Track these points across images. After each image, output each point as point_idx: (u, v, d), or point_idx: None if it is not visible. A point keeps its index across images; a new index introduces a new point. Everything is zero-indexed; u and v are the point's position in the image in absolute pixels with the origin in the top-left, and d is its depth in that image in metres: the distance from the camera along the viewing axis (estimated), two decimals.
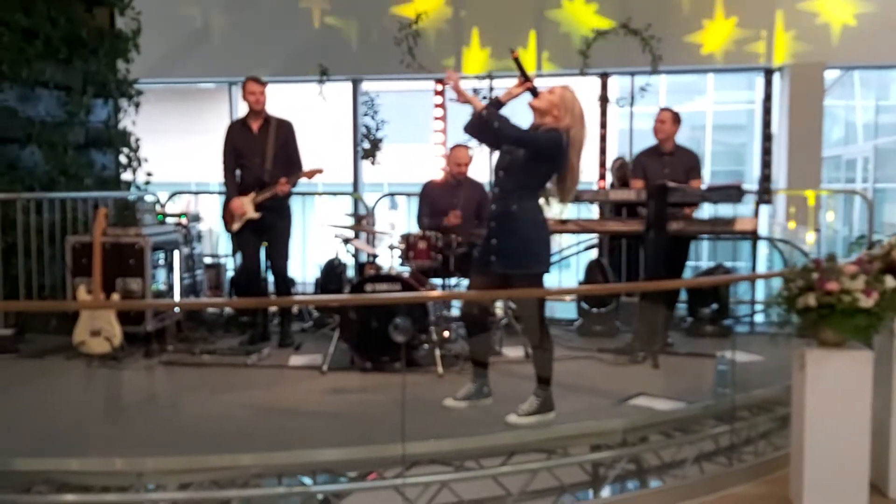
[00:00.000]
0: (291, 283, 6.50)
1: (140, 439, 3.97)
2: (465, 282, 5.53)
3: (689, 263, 6.25)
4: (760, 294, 7.46)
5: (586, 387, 4.85)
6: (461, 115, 4.34)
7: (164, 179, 8.29)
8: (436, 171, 8.05)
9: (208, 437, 3.96)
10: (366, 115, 9.15)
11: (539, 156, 4.09)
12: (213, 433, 4.05)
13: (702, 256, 10.16)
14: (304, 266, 7.99)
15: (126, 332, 5.52)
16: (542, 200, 4.24)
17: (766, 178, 8.36)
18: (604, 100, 8.61)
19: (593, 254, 7.15)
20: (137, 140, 7.75)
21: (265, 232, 5.88)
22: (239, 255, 6.04)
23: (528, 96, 4.18)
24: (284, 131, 5.87)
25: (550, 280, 4.84)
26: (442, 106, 8.86)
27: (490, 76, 8.68)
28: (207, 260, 7.00)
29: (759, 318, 7.07)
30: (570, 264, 7.62)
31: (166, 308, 6.07)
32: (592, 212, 7.51)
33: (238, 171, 5.88)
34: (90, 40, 7.16)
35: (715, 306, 6.37)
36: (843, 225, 12.34)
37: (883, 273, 3.27)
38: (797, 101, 8.48)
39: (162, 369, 5.42)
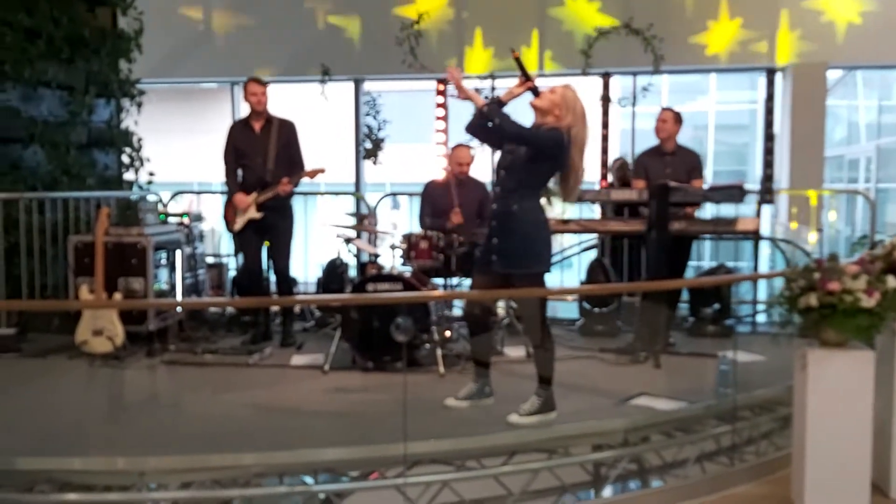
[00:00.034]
0: (293, 282, 6.52)
1: (142, 439, 3.98)
2: (466, 281, 5.53)
3: (691, 263, 6.24)
4: (762, 294, 7.45)
5: (588, 386, 4.84)
6: (463, 114, 4.33)
7: (166, 179, 8.30)
8: (437, 171, 8.06)
9: (210, 437, 3.97)
10: (368, 114, 9.14)
11: (540, 154, 4.08)
12: (214, 432, 4.05)
13: (704, 256, 10.15)
14: (305, 266, 7.99)
15: (128, 332, 5.52)
16: (543, 200, 4.24)
17: (768, 178, 8.34)
18: (606, 100, 8.60)
19: (595, 254, 7.15)
20: (140, 140, 7.77)
21: (267, 232, 5.88)
22: (241, 255, 6.05)
23: (529, 96, 4.17)
24: (286, 131, 5.87)
25: (552, 280, 4.85)
26: (444, 106, 8.85)
27: (493, 76, 8.67)
28: (209, 259, 7.01)
29: (760, 318, 7.06)
30: (571, 264, 7.62)
31: (168, 307, 6.08)
32: (594, 212, 7.52)
33: (240, 171, 5.89)
34: (92, 40, 7.16)
35: (717, 306, 6.36)
36: (845, 225, 12.33)
37: (885, 273, 3.26)
38: (800, 101, 8.47)
39: (164, 369, 5.43)
